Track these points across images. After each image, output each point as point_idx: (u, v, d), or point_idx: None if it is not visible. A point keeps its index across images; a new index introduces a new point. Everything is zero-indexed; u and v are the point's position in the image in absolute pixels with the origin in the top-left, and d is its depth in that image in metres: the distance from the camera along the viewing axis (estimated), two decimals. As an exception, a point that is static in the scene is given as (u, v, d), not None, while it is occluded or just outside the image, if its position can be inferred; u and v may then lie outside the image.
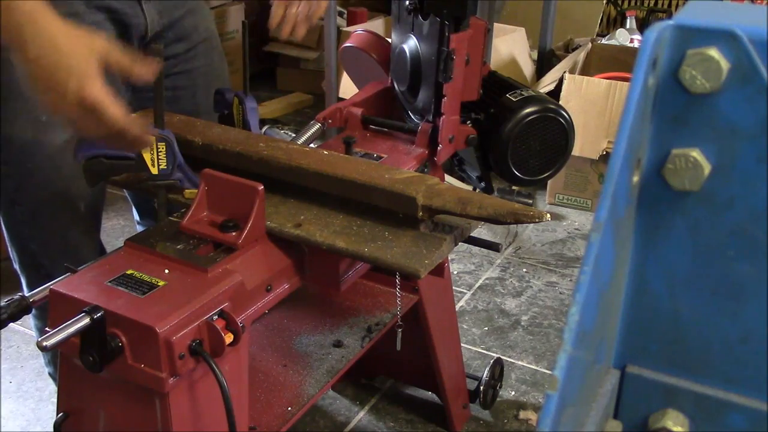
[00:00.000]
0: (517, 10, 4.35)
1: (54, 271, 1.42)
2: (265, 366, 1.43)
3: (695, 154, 0.61)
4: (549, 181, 3.04)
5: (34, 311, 1.54)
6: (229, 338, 1.01)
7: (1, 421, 1.95)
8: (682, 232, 0.64)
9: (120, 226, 2.89)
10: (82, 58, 0.98)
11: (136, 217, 1.79)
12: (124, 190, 1.70)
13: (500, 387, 2.01)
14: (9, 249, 1.53)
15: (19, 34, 0.96)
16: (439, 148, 1.38)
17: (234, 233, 1.13)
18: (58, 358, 1.16)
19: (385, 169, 1.23)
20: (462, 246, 1.63)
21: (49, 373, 1.76)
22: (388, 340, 1.53)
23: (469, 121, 1.41)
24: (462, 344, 1.96)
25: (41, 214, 1.44)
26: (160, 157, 1.16)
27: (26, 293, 1.10)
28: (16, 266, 1.55)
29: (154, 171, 1.17)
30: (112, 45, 1.02)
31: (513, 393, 2.07)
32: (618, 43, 3.78)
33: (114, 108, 0.99)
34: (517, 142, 1.37)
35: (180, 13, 1.51)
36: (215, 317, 1.02)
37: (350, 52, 1.62)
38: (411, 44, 1.41)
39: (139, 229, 1.75)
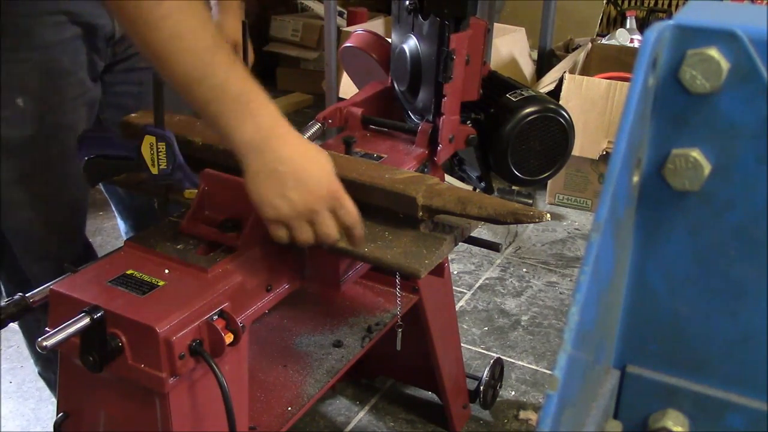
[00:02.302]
0: (517, 10, 4.35)
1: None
2: (265, 366, 1.42)
3: (695, 154, 0.61)
4: (549, 181, 3.04)
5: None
6: (229, 338, 1.01)
7: (1, 421, 1.95)
8: (682, 232, 0.64)
9: (120, 226, 2.89)
10: (324, 156, 1.05)
11: (123, 229, 1.75)
12: (111, 204, 1.69)
13: (500, 387, 2.01)
14: None
15: (272, 134, 1.00)
16: (439, 148, 1.38)
17: (234, 233, 1.13)
18: (45, 356, 1.16)
19: (385, 169, 1.23)
20: (462, 246, 1.63)
21: (38, 372, 1.75)
22: (388, 340, 1.53)
23: (469, 121, 1.41)
24: (462, 344, 1.96)
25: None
26: (160, 157, 1.16)
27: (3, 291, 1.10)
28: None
29: (154, 171, 1.17)
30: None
31: (513, 393, 2.07)
32: (618, 43, 3.78)
33: (350, 201, 1.06)
34: (517, 142, 1.37)
35: None
36: (215, 317, 1.02)
37: (350, 52, 1.62)
38: (411, 44, 1.41)
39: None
